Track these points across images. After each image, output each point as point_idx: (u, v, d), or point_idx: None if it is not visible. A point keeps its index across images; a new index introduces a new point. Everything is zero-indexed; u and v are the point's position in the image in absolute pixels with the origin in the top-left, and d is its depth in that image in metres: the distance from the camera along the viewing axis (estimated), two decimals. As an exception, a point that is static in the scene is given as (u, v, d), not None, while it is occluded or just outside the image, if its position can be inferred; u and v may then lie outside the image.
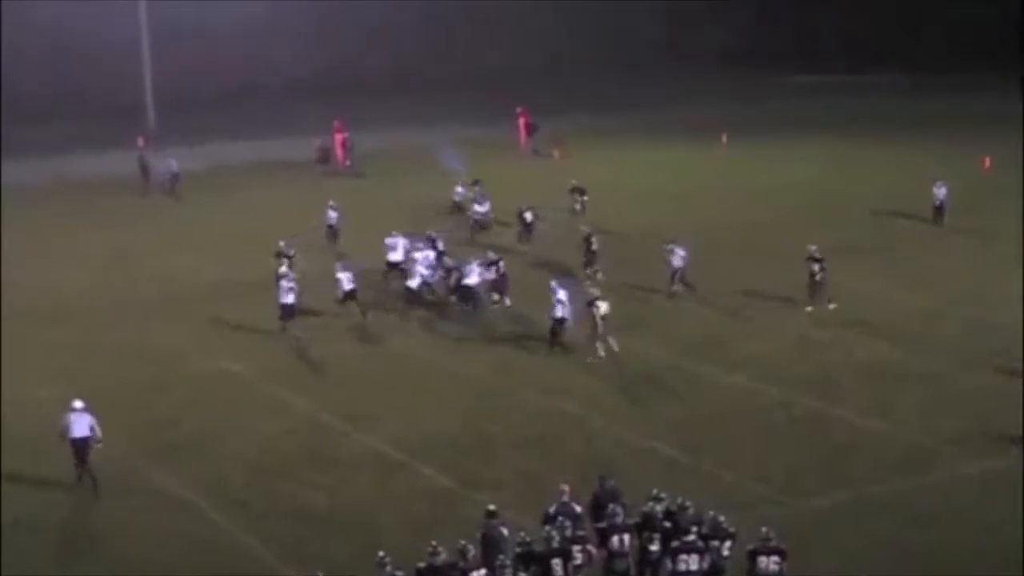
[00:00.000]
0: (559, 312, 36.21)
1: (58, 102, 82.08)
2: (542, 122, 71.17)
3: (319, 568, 22.29)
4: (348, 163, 66.49)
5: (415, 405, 32.31)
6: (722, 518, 22.14)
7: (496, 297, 40.76)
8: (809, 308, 39.49)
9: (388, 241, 43.57)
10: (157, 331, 39.19)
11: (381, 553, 20.91)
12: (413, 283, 41.14)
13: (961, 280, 42.41)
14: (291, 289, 37.89)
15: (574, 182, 54.15)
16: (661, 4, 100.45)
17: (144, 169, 62.09)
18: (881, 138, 68.81)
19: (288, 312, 37.83)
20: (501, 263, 41.31)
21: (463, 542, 21.08)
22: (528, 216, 48.70)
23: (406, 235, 43.43)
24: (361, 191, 58.32)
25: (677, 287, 41.38)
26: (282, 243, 42.01)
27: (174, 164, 61.36)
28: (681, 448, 29.13)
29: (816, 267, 39.81)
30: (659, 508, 22.49)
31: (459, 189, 54.17)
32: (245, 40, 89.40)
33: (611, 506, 22.53)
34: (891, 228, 50.39)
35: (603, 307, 35.67)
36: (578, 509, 22.77)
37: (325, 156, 66.67)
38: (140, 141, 65.66)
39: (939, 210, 50.31)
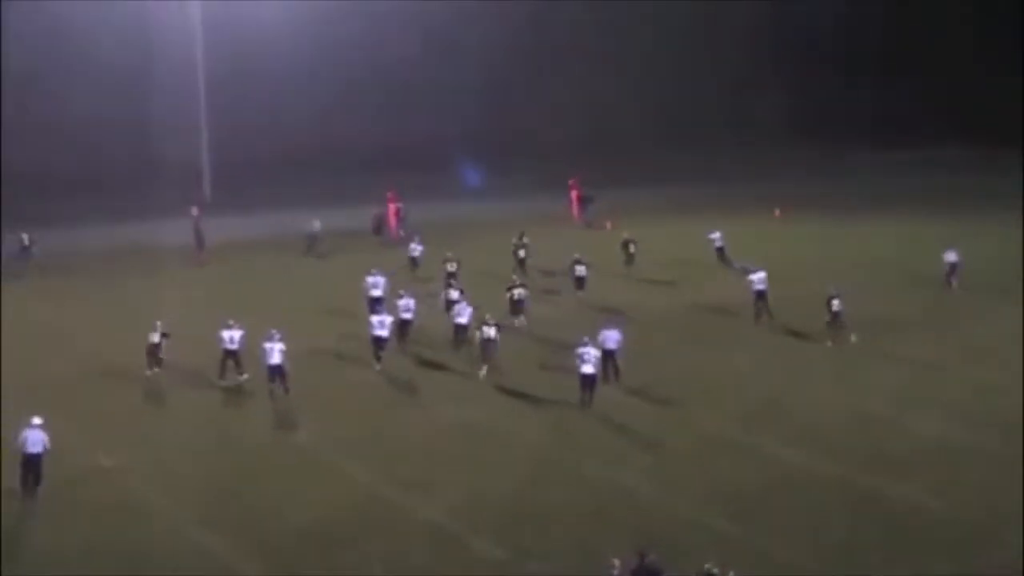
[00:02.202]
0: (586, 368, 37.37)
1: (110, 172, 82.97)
2: (597, 195, 71.45)
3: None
4: (401, 233, 66.83)
5: (470, 474, 32.22)
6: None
7: (516, 321, 45.02)
8: (830, 343, 41.85)
9: (369, 280, 47.88)
10: (220, 397, 39.32)
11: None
12: (384, 332, 41.93)
13: (1019, 354, 41.89)
14: (281, 351, 38.71)
15: (626, 235, 56.90)
16: (727, 77, 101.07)
17: (199, 237, 62.63)
18: (942, 212, 68.74)
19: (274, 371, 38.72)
20: (516, 291, 46.33)
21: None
22: (579, 269, 51.81)
23: (383, 273, 48.27)
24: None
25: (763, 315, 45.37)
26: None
27: (317, 225, 63.67)
28: (735, 522, 28.89)
29: (835, 303, 42.94)
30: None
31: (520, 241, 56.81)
32: (300, 111, 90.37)
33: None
34: (953, 301, 50.11)
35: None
36: (628, 584, 22.66)
37: (380, 225, 67.12)
38: (194, 210, 66.30)
39: (950, 275, 52.74)
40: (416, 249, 57.15)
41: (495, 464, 33.03)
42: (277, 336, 39.05)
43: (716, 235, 59.06)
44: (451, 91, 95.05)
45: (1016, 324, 45.53)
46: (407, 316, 44.36)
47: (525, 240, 56.76)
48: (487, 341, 41.03)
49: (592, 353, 37.51)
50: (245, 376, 40.26)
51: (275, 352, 38.77)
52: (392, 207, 68.87)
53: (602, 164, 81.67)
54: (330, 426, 36.52)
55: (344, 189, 79.55)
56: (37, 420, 31.39)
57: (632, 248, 57.19)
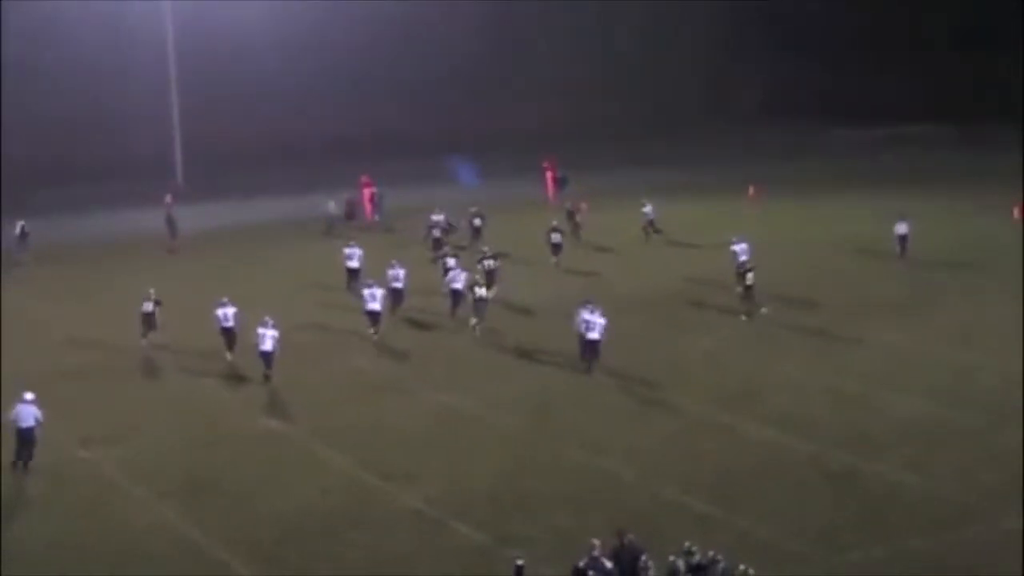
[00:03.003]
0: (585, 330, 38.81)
1: (87, 162, 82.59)
2: (573, 177, 71.53)
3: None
4: (376, 217, 66.94)
5: (452, 461, 32.34)
6: (752, 572, 22.12)
7: (489, 292, 45.95)
8: (744, 317, 44.23)
9: (347, 251, 51.16)
10: (205, 388, 39.43)
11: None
12: (376, 305, 43.80)
13: (999, 333, 42.24)
14: (273, 337, 39.09)
15: (568, 205, 60.54)
16: (700, 60, 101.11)
17: (171, 225, 62.56)
18: (920, 191, 69.08)
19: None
20: (487, 262, 48.31)
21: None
22: (555, 236, 54.86)
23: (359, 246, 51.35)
24: (387, 243, 58.40)
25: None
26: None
27: (332, 206, 64.70)
28: (715, 503, 29.06)
29: (749, 276, 44.57)
30: (680, 563, 22.64)
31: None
32: (275, 99, 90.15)
33: (643, 558, 22.83)
34: (928, 281, 50.42)
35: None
36: (608, 564, 22.81)
37: (353, 210, 67.18)
38: (168, 198, 66.17)
39: (902, 244, 53.94)
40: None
41: (476, 451, 33.15)
42: (270, 323, 39.36)
43: (648, 208, 59.99)
44: (423, 79, 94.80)
45: (991, 304, 45.83)
46: (397, 286, 46.27)
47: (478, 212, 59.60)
48: (479, 300, 44.26)
49: (598, 321, 38.69)
50: (229, 357, 40.98)
51: (267, 338, 39.07)
52: (367, 192, 68.90)
53: (577, 149, 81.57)
54: (312, 414, 36.59)
55: (318, 176, 79.33)
56: (29, 395, 32.31)
57: (578, 218, 59.96)
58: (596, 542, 23.11)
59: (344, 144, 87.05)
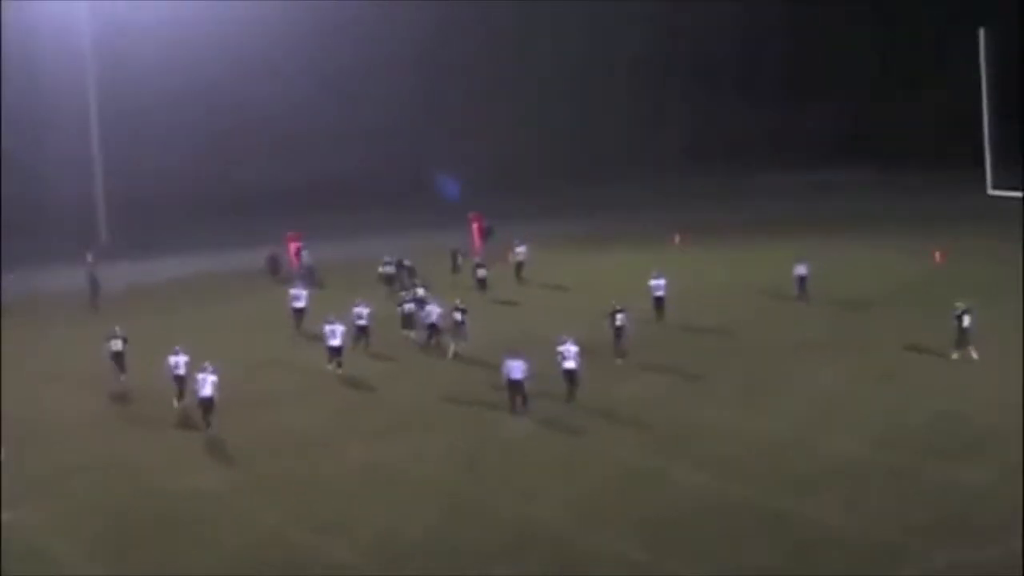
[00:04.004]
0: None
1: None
2: (498, 227, 71.70)
3: None
4: (303, 271, 66.64)
5: (384, 514, 32.03)
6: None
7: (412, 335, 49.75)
8: (619, 360, 45.23)
9: (292, 292, 53.82)
10: (128, 445, 38.86)
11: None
12: (336, 341, 45.67)
13: (923, 373, 42.65)
14: (213, 383, 39.15)
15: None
16: (622, 106, 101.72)
17: (93, 284, 61.95)
18: (845, 234, 69.90)
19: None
20: (407, 306, 50.56)
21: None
22: (480, 272, 60.34)
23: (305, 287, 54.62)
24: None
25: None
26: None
27: (306, 256, 65.77)
28: (649, 550, 28.96)
29: (620, 317, 45.77)
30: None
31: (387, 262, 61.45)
32: (200, 154, 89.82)
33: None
34: (854, 322, 50.73)
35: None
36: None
37: (275, 265, 66.97)
38: (89, 256, 65.63)
39: (802, 285, 55.19)
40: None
41: (408, 503, 32.85)
42: (210, 368, 39.30)
43: (521, 249, 62.96)
44: (348, 132, 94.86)
45: (915, 344, 46.21)
46: (361, 323, 48.46)
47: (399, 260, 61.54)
48: (458, 324, 47.71)
49: (571, 349, 40.41)
50: (176, 404, 41.53)
51: (207, 384, 39.00)
52: (293, 247, 68.80)
53: (502, 199, 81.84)
54: (242, 469, 36.22)
55: (241, 231, 79.09)
56: None
57: (513, 258, 63.06)
58: None
59: (269, 197, 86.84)
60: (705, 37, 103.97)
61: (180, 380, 41.79)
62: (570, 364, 40.49)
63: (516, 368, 39.55)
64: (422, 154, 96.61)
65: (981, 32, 60.25)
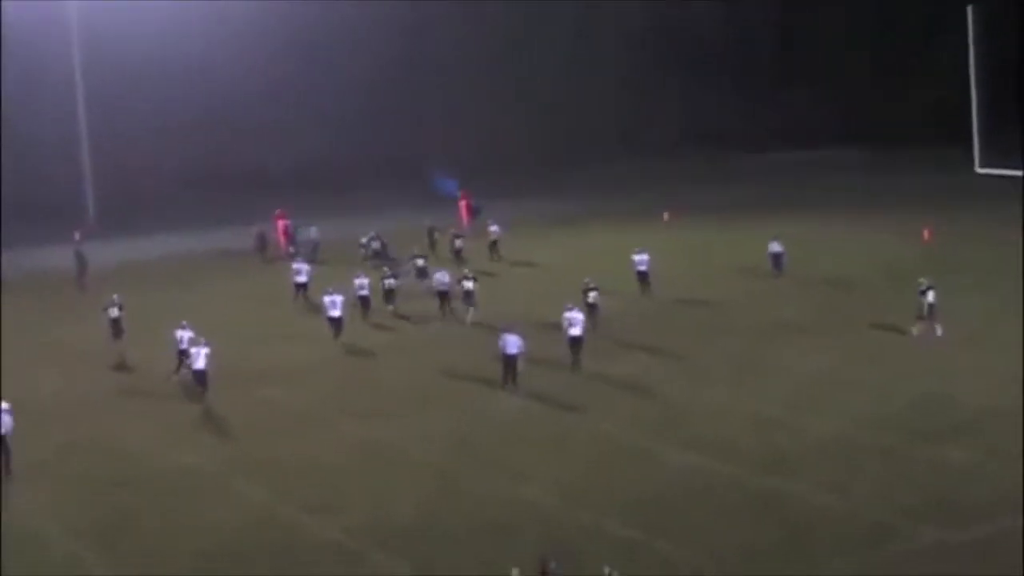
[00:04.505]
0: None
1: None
2: (487, 205, 71.71)
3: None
4: (291, 250, 66.65)
5: (373, 492, 32.12)
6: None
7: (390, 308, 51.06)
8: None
9: (295, 266, 55.27)
10: (117, 426, 38.88)
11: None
12: (336, 312, 46.87)
13: (910, 354, 42.76)
14: (206, 355, 39.84)
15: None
16: (617, 88, 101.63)
17: (80, 262, 61.88)
18: (831, 214, 69.99)
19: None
20: (387, 280, 51.49)
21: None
22: (458, 242, 61.91)
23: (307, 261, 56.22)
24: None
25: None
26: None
27: (314, 231, 65.45)
28: (638, 528, 29.07)
29: (592, 295, 46.38)
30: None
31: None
32: (188, 133, 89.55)
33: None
34: (840, 303, 50.83)
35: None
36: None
37: (263, 243, 66.95)
38: (76, 235, 65.58)
39: (777, 262, 55.74)
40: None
41: (397, 481, 32.94)
42: (203, 341, 40.12)
43: (494, 228, 63.49)
44: (334, 112, 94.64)
45: (902, 325, 46.28)
46: (364, 293, 50.60)
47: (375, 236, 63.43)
48: (467, 293, 49.12)
49: (577, 317, 41.69)
50: (174, 378, 42.08)
51: (200, 356, 39.68)
52: (281, 224, 68.76)
53: (491, 179, 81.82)
54: (232, 446, 36.33)
55: (229, 209, 79.06)
56: (5, 405, 34.17)
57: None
58: (516, 571, 23.04)
59: (259, 177, 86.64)
60: (694, 21, 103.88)
61: (182, 354, 42.06)
62: (575, 331, 41.42)
63: (512, 343, 39.69)
64: (410, 136, 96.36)
65: (969, 9, 60.26)
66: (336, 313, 46.57)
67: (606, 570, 23.18)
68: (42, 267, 65.32)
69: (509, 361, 39.75)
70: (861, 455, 33.42)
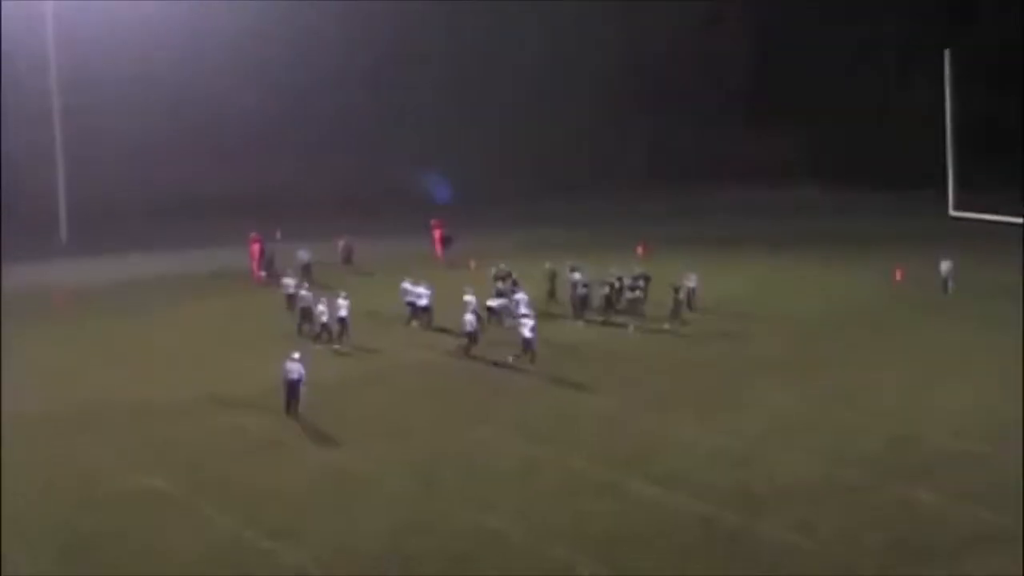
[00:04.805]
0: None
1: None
2: (459, 235, 71.67)
3: None
4: (262, 274, 66.48)
5: (339, 521, 31.94)
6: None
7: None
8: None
9: (302, 293, 53.56)
10: (82, 447, 38.56)
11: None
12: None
13: (880, 394, 42.79)
14: None
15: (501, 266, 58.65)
16: (587, 123, 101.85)
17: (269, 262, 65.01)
18: (804, 253, 70.24)
19: None
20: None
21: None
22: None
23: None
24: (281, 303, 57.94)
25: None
26: None
27: (304, 255, 63.86)
28: (604, 564, 28.95)
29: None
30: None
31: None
32: (166, 155, 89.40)
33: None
34: (812, 342, 50.91)
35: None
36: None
37: (349, 254, 69.08)
38: (277, 234, 68.22)
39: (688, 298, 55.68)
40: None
41: (363, 510, 32.77)
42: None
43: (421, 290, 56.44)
44: (310, 139, 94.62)
45: (873, 365, 46.42)
46: (423, 303, 52.94)
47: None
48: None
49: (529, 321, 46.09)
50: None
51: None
52: (255, 248, 68.38)
53: (465, 210, 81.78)
54: (195, 472, 35.98)
55: (202, 233, 78.87)
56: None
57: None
58: None
59: (234, 201, 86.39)
60: (666, 58, 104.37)
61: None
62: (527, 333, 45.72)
63: (294, 370, 40.47)
64: (387, 164, 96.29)
65: (947, 53, 60.56)
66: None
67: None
68: (10, 284, 64.70)
69: (292, 387, 40.39)
70: (829, 494, 33.38)
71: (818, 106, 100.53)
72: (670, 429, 39.35)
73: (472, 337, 47.95)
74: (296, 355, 41.08)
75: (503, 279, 56.53)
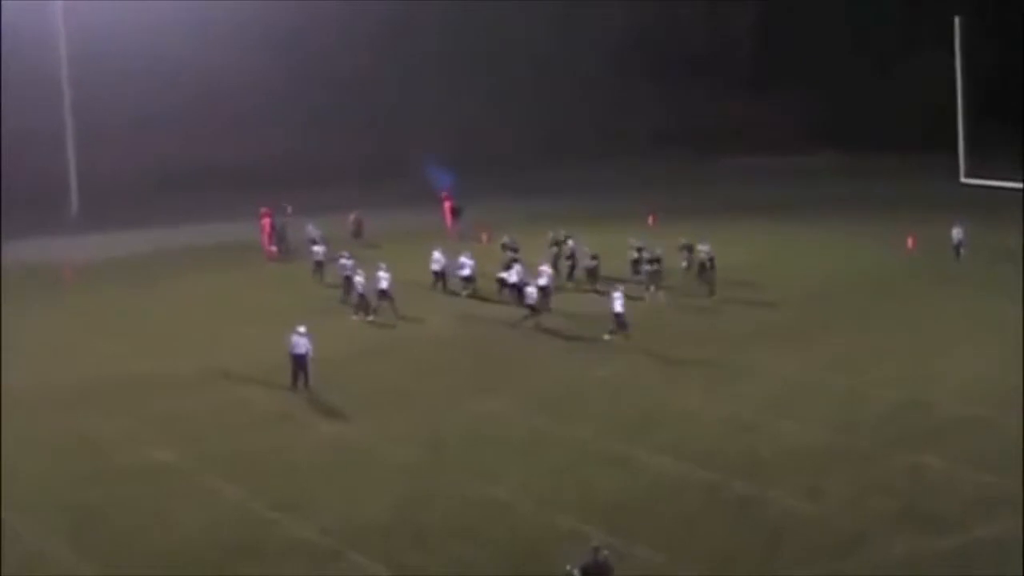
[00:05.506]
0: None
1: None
2: (470, 206, 71.52)
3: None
4: (274, 249, 66.46)
5: (346, 492, 31.99)
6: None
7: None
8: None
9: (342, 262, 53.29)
10: (89, 421, 38.64)
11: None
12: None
13: (888, 360, 42.70)
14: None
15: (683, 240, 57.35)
16: (596, 90, 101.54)
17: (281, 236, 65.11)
18: (813, 220, 69.96)
19: None
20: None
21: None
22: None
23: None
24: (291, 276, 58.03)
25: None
26: None
27: (312, 230, 63.07)
28: (613, 532, 28.87)
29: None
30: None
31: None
32: (174, 127, 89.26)
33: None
34: (819, 309, 50.76)
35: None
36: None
37: (359, 228, 68.19)
38: (288, 208, 67.30)
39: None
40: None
41: (370, 481, 32.81)
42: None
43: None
44: (316, 109, 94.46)
45: (881, 331, 46.36)
46: (466, 273, 54.00)
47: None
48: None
49: (618, 295, 45.34)
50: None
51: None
52: (266, 222, 68.27)
53: (475, 180, 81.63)
54: (202, 445, 36.06)
55: (210, 206, 78.85)
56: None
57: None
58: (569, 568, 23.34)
59: (238, 173, 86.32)
60: (674, 24, 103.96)
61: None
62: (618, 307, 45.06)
63: (300, 344, 40.36)
64: (393, 134, 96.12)
65: (957, 20, 60.27)
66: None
67: (568, 567, 23.24)
68: (18, 259, 64.78)
69: (298, 362, 40.11)
70: (836, 461, 33.34)
71: (827, 72, 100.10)
72: (677, 397, 39.33)
73: (534, 309, 47.66)
74: (302, 329, 40.88)
75: (513, 250, 56.38)
